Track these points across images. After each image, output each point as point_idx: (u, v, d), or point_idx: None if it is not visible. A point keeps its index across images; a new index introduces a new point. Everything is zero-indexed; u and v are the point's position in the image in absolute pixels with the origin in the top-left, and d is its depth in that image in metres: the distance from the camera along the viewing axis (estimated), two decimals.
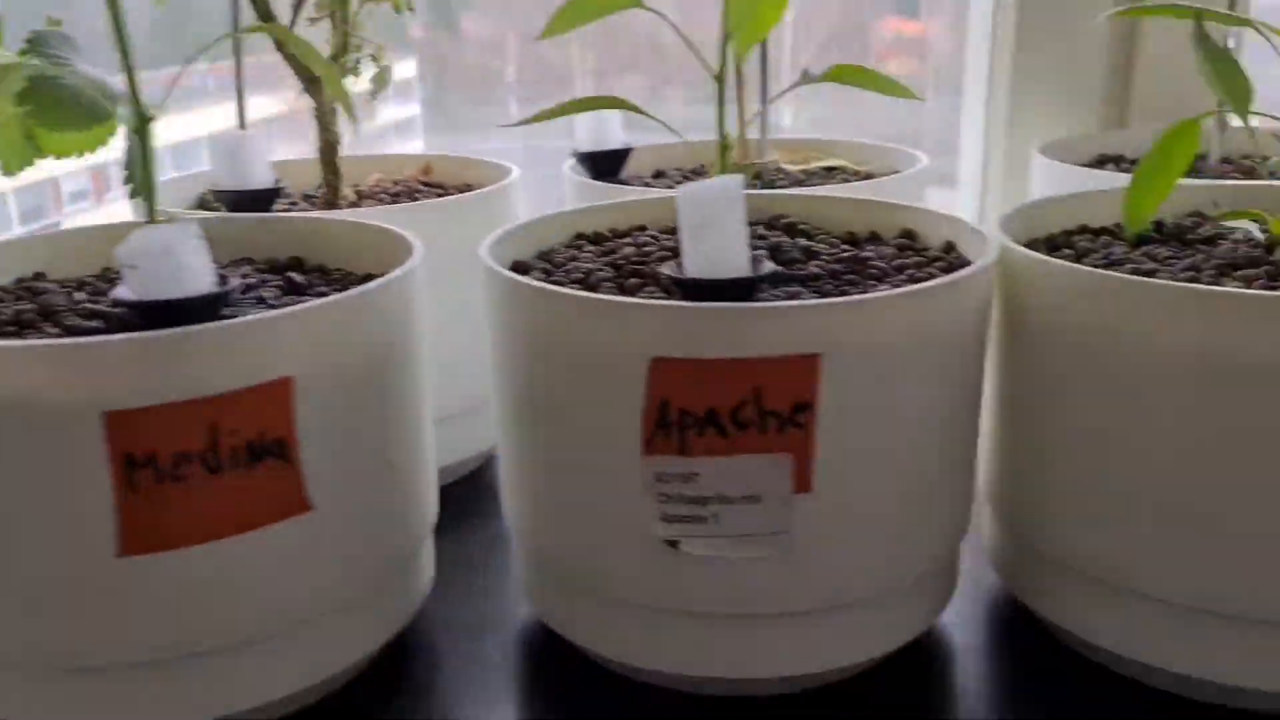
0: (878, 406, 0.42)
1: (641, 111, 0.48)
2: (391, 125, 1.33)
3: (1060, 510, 0.47)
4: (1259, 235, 0.49)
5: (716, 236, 0.41)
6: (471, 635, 0.52)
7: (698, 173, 0.76)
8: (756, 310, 0.40)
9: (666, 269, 0.43)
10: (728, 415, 0.41)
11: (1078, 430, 0.45)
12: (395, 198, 0.70)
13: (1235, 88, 0.45)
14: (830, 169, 0.75)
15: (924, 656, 0.50)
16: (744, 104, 0.68)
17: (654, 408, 0.41)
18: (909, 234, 0.54)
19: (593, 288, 0.47)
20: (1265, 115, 0.46)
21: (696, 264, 0.42)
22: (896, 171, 0.71)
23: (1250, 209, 0.49)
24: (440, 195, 0.70)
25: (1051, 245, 0.54)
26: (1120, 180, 0.55)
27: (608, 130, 0.70)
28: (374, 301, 0.44)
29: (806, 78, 0.50)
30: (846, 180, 0.73)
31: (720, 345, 0.40)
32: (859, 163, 0.76)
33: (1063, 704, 0.47)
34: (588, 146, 0.70)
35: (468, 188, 0.71)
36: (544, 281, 0.47)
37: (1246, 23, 0.46)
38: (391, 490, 0.47)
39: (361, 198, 0.69)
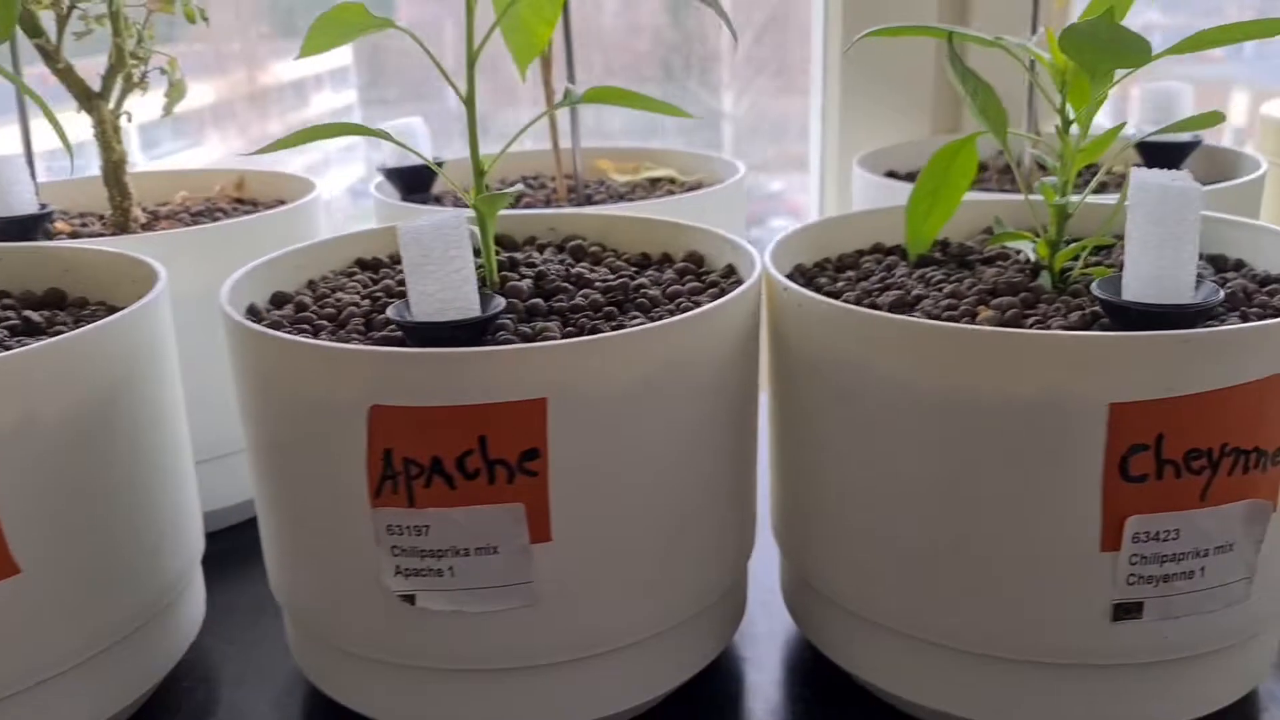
0: (617, 448, 0.40)
1: (388, 138, 0.46)
2: (328, 113, 1.28)
3: (822, 543, 0.45)
4: (1032, 256, 0.48)
5: (440, 275, 0.39)
6: (238, 686, 0.50)
7: (526, 185, 0.73)
8: (477, 355, 0.38)
9: (393, 310, 0.41)
10: (454, 464, 0.39)
11: (831, 463, 0.44)
12: (196, 217, 0.67)
13: (989, 110, 0.43)
14: (656, 180, 0.74)
15: (710, 693, 0.49)
16: (554, 112, 0.66)
17: (377, 457, 0.39)
18: (694, 257, 0.52)
19: (342, 324, 0.45)
20: (1021, 135, 0.45)
21: (421, 305, 0.40)
22: (721, 181, 0.69)
23: (1025, 230, 0.48)
24: (248, 212, 0.67)
25: (841, 266, 0.53)
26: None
27: (415, 144, 0.67)
28: (88, 348, 0.42)
29: (569, 98, 0.48)
30: (671, 192, 0.71)
31: (440, 392, 0.38)
32: (688, 172, 0.75)
33: None
34: (394, 162, 0.67)
35: (280, 203, 0.69)
36: (287, 319, 0.45)
37: (997, 43, 0.45)
38: (129, 540, 0.44)
39: (158, 219, 0.66)
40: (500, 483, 0.39)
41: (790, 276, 0.50)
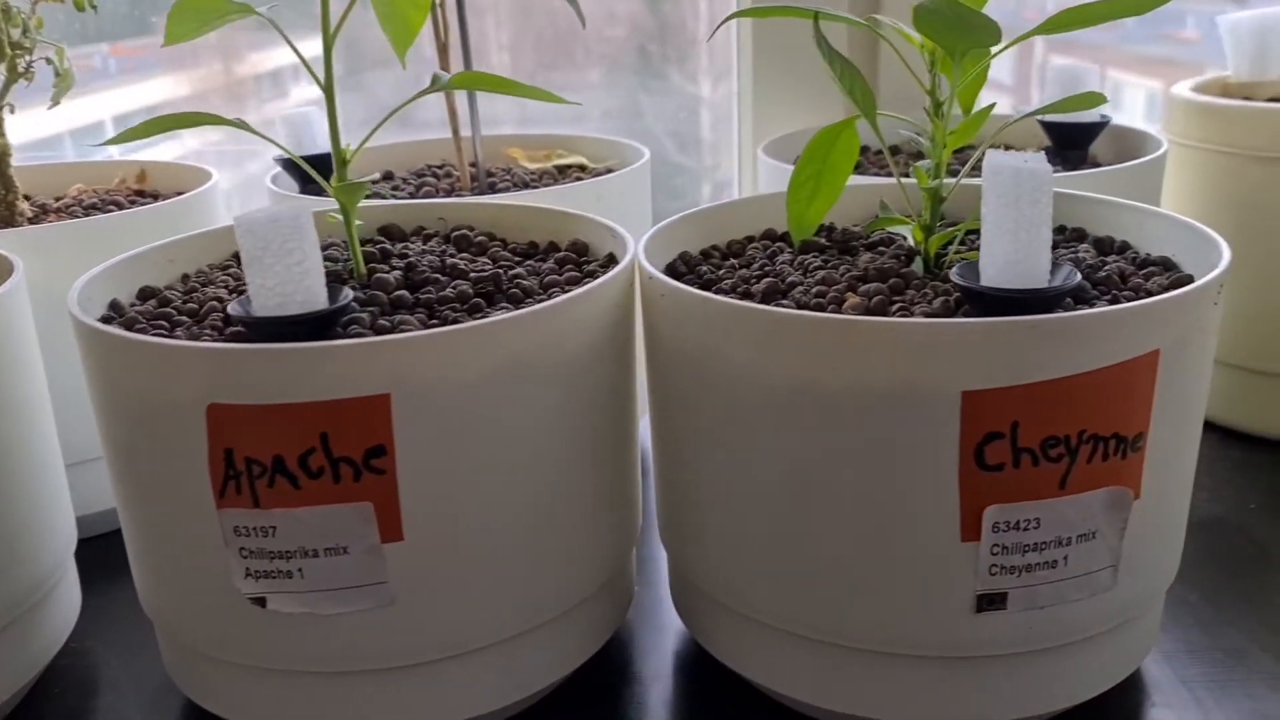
0: (469, 444, 0.39)
1: (246, 128, 0.45)
2: (306, 104, 1.25)
3: (695, 537, 0.45)
4: (911, 242, 0.47)
5: (279, 269, 0.38)
6: (112, 691, 0.49)
7: (429, 174, 0.72)
8: (313, 350, 0.37)
9: (234, 306, 0.39)
10: (296, 463, 0.38)
11: (698, 456, 0.43)
12: (89, 210, 0.65)
13: (855, 92, 0.42)
14: (565, 168, 0.73)
15: (598, 688, 0.48)
16: (452, 101, 0.65)
17: (218, 458, 0.38)
18: (578, 246, 0.51)
19: (200, 320, 0.43)
20: (890, 115, 0.44)
21: (261, 300, 0.38)
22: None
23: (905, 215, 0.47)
24: (147, 204, 0.66)
25: (729, 253, 0.52)
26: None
27: (313, 132, 0.66)
28: None
29: (435, 83, 0.47)
30: (579, 178, 0.70)
31: (278, 389, 0.37)
32: (599, 159, 0.74)
33: None
34: (292, 152, 0.66)
35: (179, 195, 0.67)
36: (145, 314, 0.44)
37: (868, 24, 0.44)
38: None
39: (47, 212, 0.65)
40: (346, 481, 0.38)
41: (673, 264, 0.50)
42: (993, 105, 0.44)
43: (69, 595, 0.50)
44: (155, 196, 0.70)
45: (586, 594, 0.45)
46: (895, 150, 0.73)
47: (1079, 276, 0.38)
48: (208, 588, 0.41)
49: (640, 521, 0.50)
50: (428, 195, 0.67)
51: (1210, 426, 0.70)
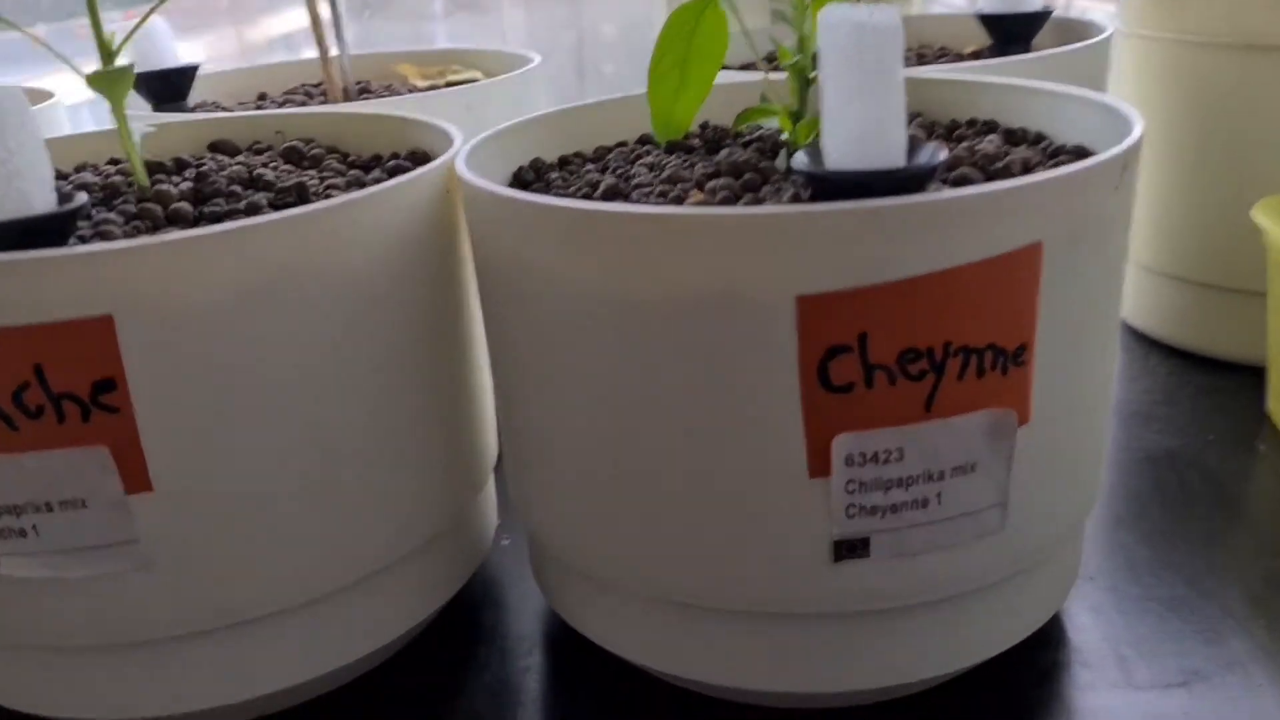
0: (225, 375, 0.33)
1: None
2: (280, 38, 1.20)
3: (530, 485, 0.39)
4: (782, 137, 0.40)
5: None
6: None
7: (303, 93, 0.66)
8: (15, 263, 0.30)
9: None
10: (10, 399, 0.32)
11: (521, 384, 0.37)
12: None
13: None
14: (458, 83, 0.66)
15: (440, 651, 0.42)
16: (314, 6, 0.58)
17: None
18: (417, 155, 0.45)
19: None
20: None
21: None
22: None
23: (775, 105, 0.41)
24: None
25: (594, 158, 0.45)
26: None
27: (159, 47, 0.59)
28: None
29: None
30: None
31: None
32: (494, 73, 0.67)
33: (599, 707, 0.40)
34: (140, 68, 0.59)
35: None
36: None
37: None
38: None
39: None
40: (73, 421, 0.32)
41: (520, 171, 0.43)
42: None
43: None
44: None
45: (408, 549, 0.39)
46: None
47: (943, 154, 0.31)
48: None
49: (493, 464, 0.44)
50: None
51: (1170, 351, 0.63)
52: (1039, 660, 0.40)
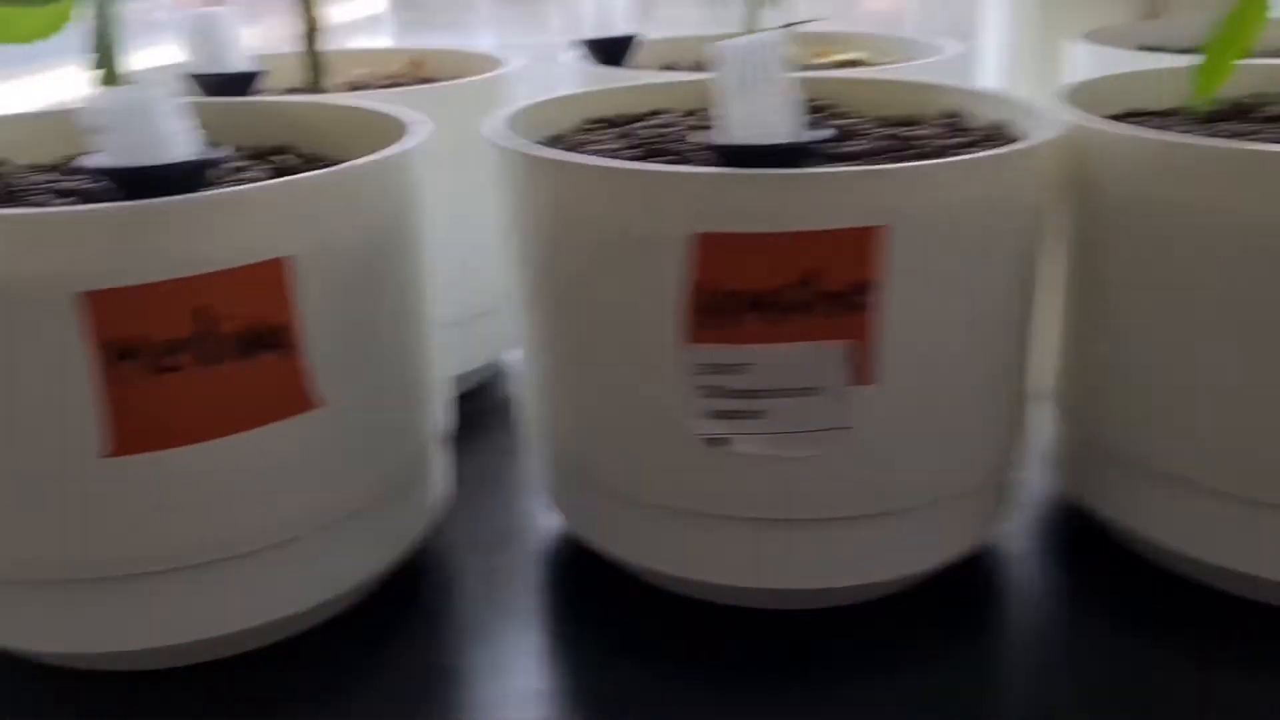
0: (958, 282, 0.38)
1: None
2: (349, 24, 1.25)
3: (1126, 403, 0.43)
4: None
5: (761, 97, 0.37)
6: (489, 550, 0.48)
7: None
8: (809, 178, 0.35)
9: (695, 139, 0.38)
10: (781, 296, 0.36)
11: (1148, 312, 0.41)
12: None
13: None
14: (847, 64, 0.71)
15: (977, 571, 0.47)
16: None
17: (703, 289, 0.37)
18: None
19: (658, 151, 0.42)
20: None
21: (741, 129, 0.37)
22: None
23: None
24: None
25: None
26: (1176, 62, 0.51)
27: (613, 16, 0.65)
28: (373, 178, 0.40)
29: None
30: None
31: (770, 217, 0.36)
32: (884, 54, 0.72)
33: (1127, 607, 0.44)
34: (593, 33, 0.65)
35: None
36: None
37: None
38: (401, 388, 0.43)
39: (354, 88, 0.64)
40: (829, 318, 0.37)
41: None
42: None
43: (440, 460, 0.49)
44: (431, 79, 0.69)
45: (1001, 466, 0.44)
46: None
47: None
48: (653, 431, 0.40)
49: None
50: None
51: None
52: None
